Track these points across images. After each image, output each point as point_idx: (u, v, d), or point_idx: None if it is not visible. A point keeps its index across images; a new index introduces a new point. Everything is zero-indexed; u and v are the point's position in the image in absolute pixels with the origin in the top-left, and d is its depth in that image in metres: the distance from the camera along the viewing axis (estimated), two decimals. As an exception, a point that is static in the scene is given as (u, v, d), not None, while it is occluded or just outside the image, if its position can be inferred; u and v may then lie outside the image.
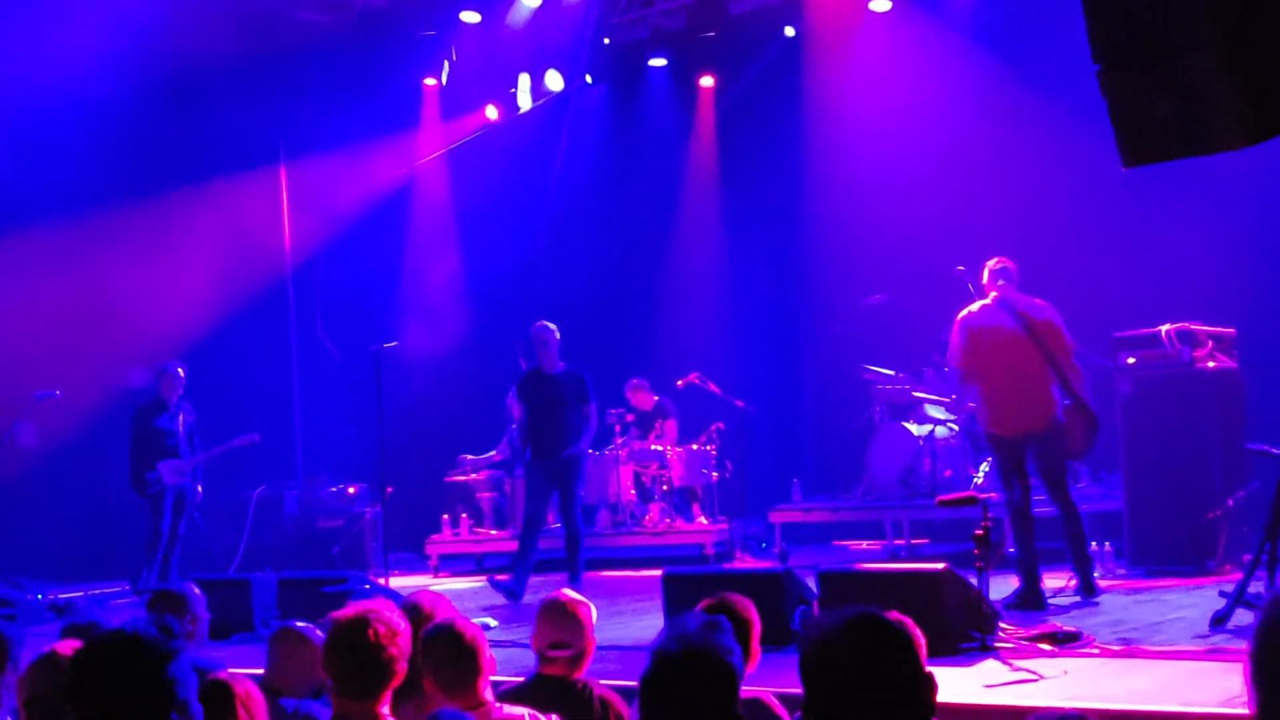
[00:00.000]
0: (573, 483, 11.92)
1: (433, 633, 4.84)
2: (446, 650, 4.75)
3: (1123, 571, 10.68)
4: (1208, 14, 4.31)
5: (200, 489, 13.40)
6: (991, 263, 9.93)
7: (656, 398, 14.87)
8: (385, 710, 4.46)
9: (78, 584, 13.80)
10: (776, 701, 5.15)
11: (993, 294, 9.80)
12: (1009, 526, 10.14)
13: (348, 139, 16.88)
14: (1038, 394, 9.57)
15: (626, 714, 5.13)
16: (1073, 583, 9.59)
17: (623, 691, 5.44)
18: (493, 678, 4.87)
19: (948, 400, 13.57)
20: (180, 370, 13.32)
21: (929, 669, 3.16)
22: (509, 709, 4.73)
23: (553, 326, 12.14)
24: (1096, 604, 9.27)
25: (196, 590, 6.85)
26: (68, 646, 4.67)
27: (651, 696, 3.56)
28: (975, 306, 9.85)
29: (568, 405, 11.93)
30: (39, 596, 12.12)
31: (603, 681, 5.62)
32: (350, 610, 4.51)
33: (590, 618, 5.53)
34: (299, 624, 5.88)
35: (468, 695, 4.68)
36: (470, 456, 15.48)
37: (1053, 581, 9.79)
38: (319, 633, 5.62)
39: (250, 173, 16.62)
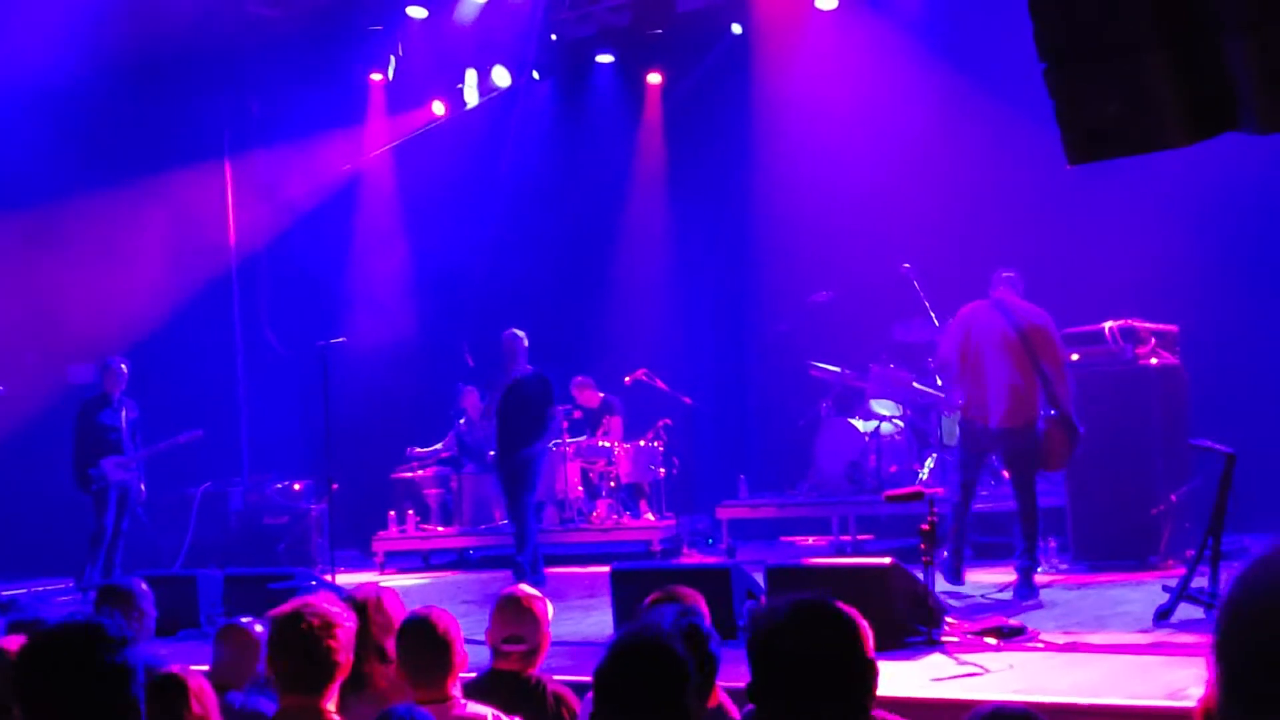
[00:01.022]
0: (525, 481, 12.26)
1: (407, 623, 4.85)
2: (418, 641, 4.75)
3: (1065, 566, 10.78)
4: (1153, 11, 4.34)
5: (143, 486, 13.30)
6: (1004, 271, 10.15)
7: (602, 395, 14.90)
8: (330, 706, 4.43)
9: (20, 580, 13.66)
10: (725, 695, 5.17)
11: (995, 294, 10.05)
12: (949, 509, 10.28)
13: (294, 133, 16.78)
14: (1018, 395, 9.71)
15: (579, 709, 5.13)
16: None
17: (572, 687, 5.45)
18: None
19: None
20: (124, 365, 13.22)
21: (872, 656, 3.22)
22: (473, 707, 4.72)
23: (521, 333, 12.50)
24: (1040, 599, 9.36)
25: (144, 586, 6.83)
26: (13, 642, 4.63)
27: (605, 689, 3.57)
28: (973, 304, 10.11)
29: (529, 407, 12.29)
30: (-19, 593, 12.00)
31: (552, 677, 5.62)
32: (289, 606, 4.49)
33: (546, 613, 5.54)
34: (243, 620, 5.91)
35: (436, 688, 4.68)
36: (419, 449, 15.44)
37: (1002, 576, 9.91)
38: (259, 628, 5.69)
39: (195, 166, 16.49)
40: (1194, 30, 4.30)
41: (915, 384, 13.41)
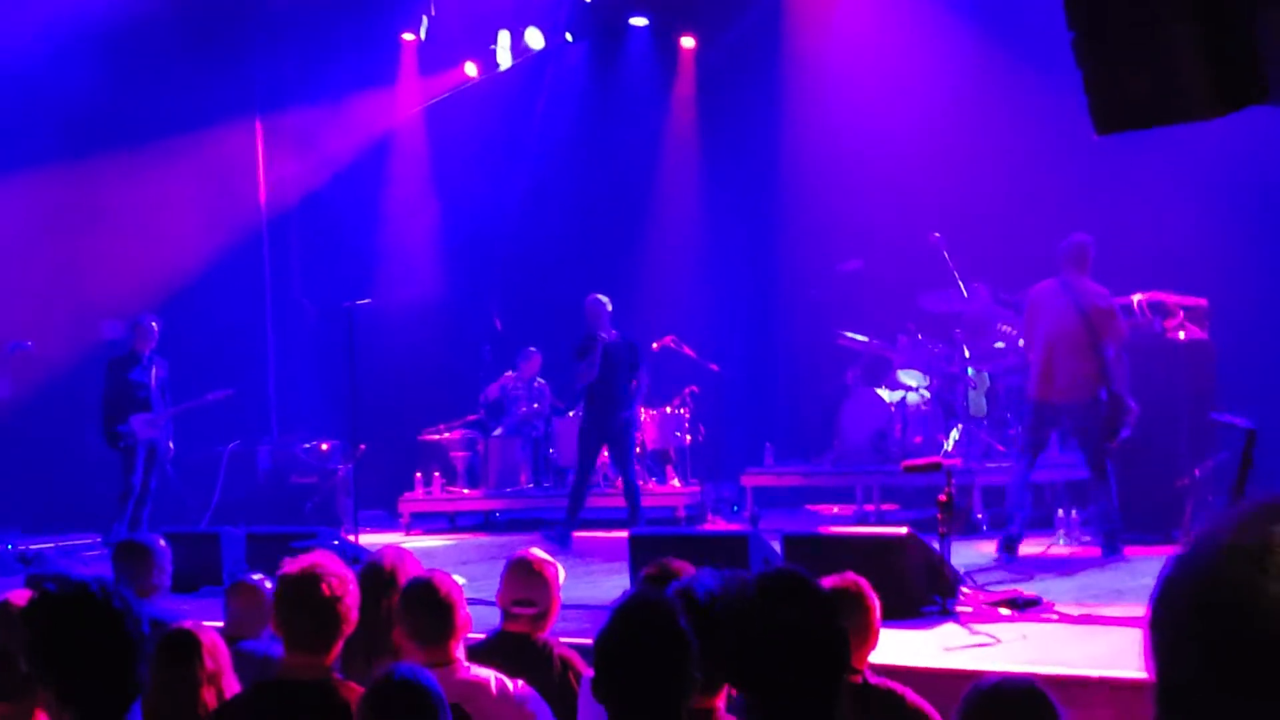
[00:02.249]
0: (627, 442, 12.62)
1: (410, 586, 4.87)
2: (421, 604, 4.77)
3: (1088, 539, 10.74)
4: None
5: (172, 444, 13.36)
6: (1070, 242, 10.22)
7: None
8: (331, 663, 4.45)
9: (49, 535, 13.77)
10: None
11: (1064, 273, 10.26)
12: (1011, 491, 10.43)
13: (325, 92, 16.78)
14: (1075, 371, 9.99)
15: (585, 673, 5.14)
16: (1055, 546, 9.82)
17: (587, 650, 5.45)
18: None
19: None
20: (154, 323, 13.25)
21: (842, 625, 3.21)
22: (476, 670, 4.73)
23: (604, 299, 12.61)
24: (1078, 567, 9.46)
25: (162, 543, 6.89)
26: (21, 596, 4.67)
27: (605, 654, 3.56)
28: (1043, 283, 10.40)
29: (621, 371, 12.50)
30: (9, 547, 12.10)
31: (569, 640, 5.63)
32: (298, 564, 4.51)
33: (557, 577, 5.54)
34: (253, 576, 6.04)
35: (439, 651, 4.70)
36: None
37: (1029, 548, 9.97)
38: (268, 584, 5.74)
39: (227, 125, 16.52)
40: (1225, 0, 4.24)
41: (961, 338, 13.41)
